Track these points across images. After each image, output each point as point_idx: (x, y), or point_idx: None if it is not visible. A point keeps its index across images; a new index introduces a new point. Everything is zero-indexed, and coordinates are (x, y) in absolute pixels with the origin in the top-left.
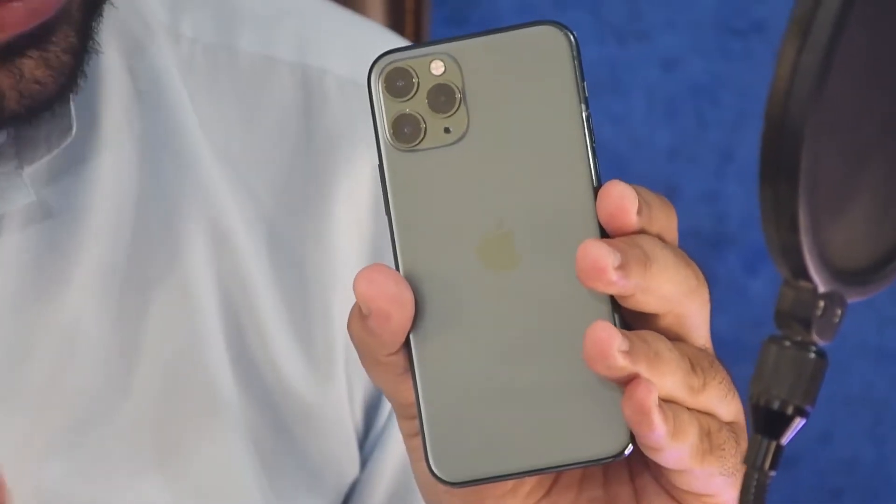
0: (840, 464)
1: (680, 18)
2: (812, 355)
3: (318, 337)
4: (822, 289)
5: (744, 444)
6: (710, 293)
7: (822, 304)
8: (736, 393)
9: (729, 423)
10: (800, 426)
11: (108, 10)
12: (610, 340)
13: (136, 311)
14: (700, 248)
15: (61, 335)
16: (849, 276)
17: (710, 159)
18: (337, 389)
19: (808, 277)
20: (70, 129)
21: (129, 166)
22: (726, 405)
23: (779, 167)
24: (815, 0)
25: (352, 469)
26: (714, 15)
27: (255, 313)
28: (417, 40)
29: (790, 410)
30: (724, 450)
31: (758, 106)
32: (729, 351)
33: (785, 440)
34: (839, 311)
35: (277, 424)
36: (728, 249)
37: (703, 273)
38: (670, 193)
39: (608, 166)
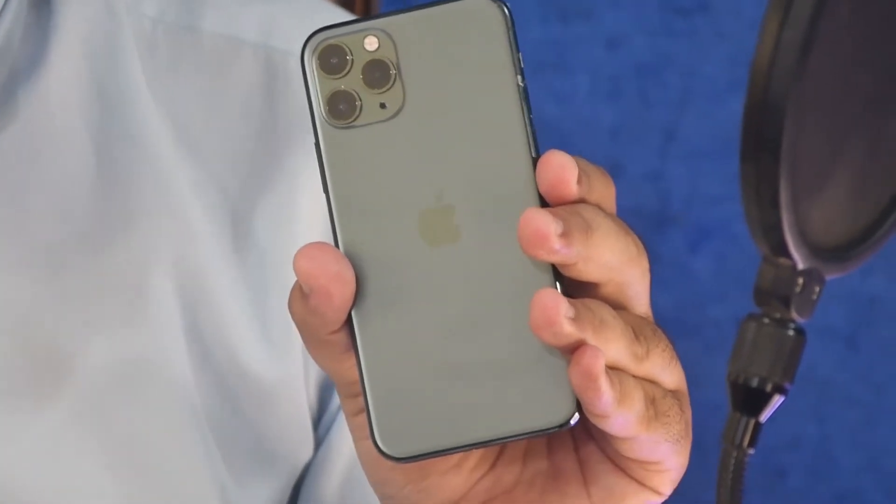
0: (784, 442)
1: None
2: (791, 332)
3: (276, 319)
4: (801, 266)
5: (688, 412)
6: (653, 272)
7: (801, 281)
8: (678, 361)
9: (672, 391)
10: (778, 403)
11: None
12: (556, 307)
13: (88, 289)
14: (643, 227)
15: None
16: (828, 252)
17: (653, 138)
18: (294, 371)
19: (787, 254)
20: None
21: (78, 144)
22: (669, 372)
23: (761, 144)
24: None
25: (306, 451)
26: None
27: (212, 297)
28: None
29: (769, 388)
30: (668, 416)
31: (702, 85)
32: (672, 329)
33: (764, 417)
34: (817, 289)
35: (233, 406)
36: (671, 228)
37: (645, 247)
38: (614, 172)
39: (552, 144)
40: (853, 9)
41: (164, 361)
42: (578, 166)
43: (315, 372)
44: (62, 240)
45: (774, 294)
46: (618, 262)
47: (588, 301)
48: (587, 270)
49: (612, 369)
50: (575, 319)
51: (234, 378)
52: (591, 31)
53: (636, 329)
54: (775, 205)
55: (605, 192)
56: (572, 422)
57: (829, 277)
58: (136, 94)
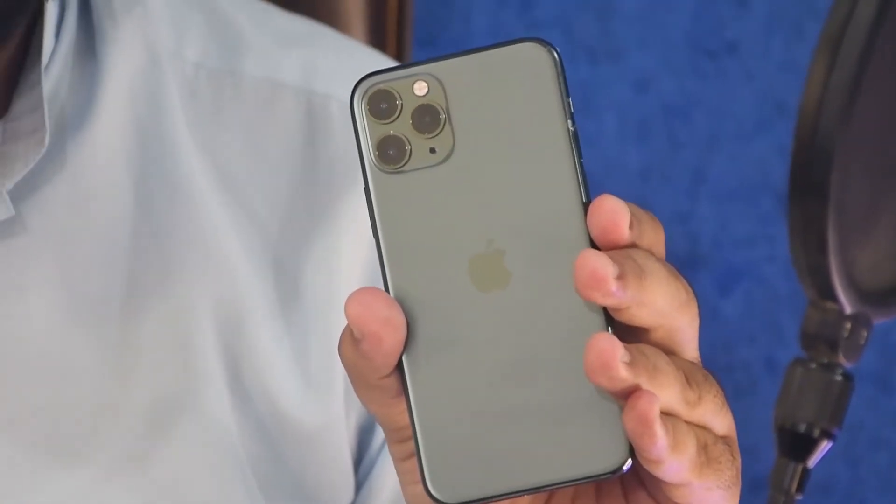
0: (815, 486)
1: (652, 38)
2: (839, 377)
3: (317, 362)
4: (848, 310)
5: (738, 459)
6: None
7: (848, 325)
8: (728, 407)
9: (723, 437)
10: (826, 449)
11: (111, 32)
12: (613, 351)
13: (129, 339)
14: None
15: (39, 360)
16: (875, 297)
17: (682, 180)
18: (335, 414)
19: (835, 299)
20: (43, 141)
21: (122, 193)
22: (720, 419)
23: (808, 187)
24: (846, 16)
25: (347, 494)
26: (686, 35)
27: (253, 342)
28: (399, 61)
29: (816, 433)
30: (720, 463)
31: (730, 126)
32: None
33: (811, 463)
34: (865, 333)
35: (274, 451)
36: (700, 270)
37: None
38: None
39: None
40: None
41: (205, 407)
42: (630, 211)
43: (356, 415)
44: (105, 291)
45: (821, 338)
46: (669, 307)
47: (642, 346)
48: (640, 315)
49: (665, 415)
50: (630, 364)
51: (274, 423)
52: (619, 72)
53: (688, 375)
54: (822, 249)
55: (655, 237)
56: (625, 468)
57: (876, 322)
58: (178, 141)
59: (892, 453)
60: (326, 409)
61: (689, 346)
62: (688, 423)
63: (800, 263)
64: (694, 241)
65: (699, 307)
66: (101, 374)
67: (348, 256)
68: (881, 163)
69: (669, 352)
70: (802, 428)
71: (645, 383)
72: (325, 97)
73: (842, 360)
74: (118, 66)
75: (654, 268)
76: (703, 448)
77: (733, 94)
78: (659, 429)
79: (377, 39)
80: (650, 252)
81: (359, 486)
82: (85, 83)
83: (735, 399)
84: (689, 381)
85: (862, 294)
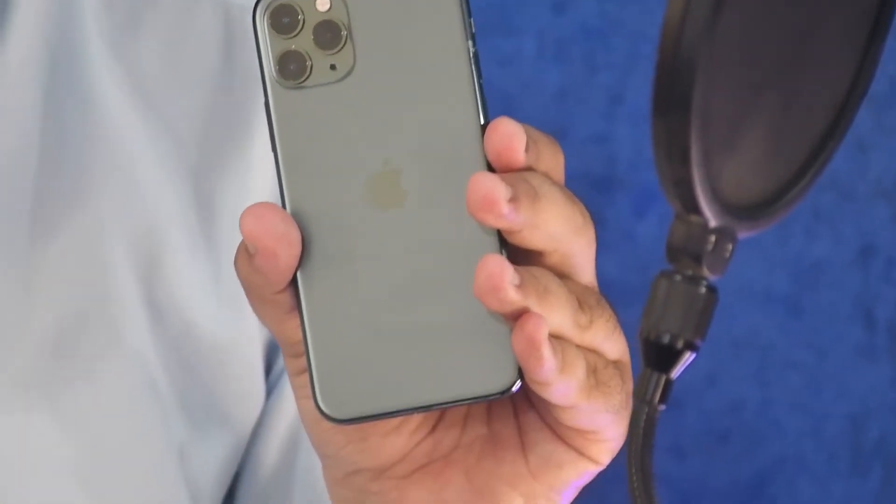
0: (726, 406)
1: None
2: (703, 290)
3: (230, 275)
4: (713, 223)
5: (629, 383)
6: (598, 235)
7: (712, 238)
8: (621, 331)
9: (614, 361)
10: (689, 360)
11: None
12: (502, 273)
13: (37, 256)
14: (589, 190)
15: None
16: (740, 211)
17: (599, 101)
18: (247, 329)
19: (699, 211)
20: None
21: (31, 107)
22: (612, 343)
23: (671, 101)
24: None
25: (261, 403)
26: None
27: (167, 257)
28: None
29: (680, 344)
30: (609, 386)
31: (649, 48)
32: (616, 293)
33: (675, 374)
34: (730, 247)
35: (189, 366)
36: (616, 192)
37: (591, 215)
38: (559, 135)
39: (496, 108)
40: None
41: (117, 322)
42: (527, 134)
43: (264, 331)
44: (12, 207)
45: (686, 251)
46: (564, 231)
47: (533, 269)
48: (533, 238)
49: (554, 338)
50: (520, 286)
51: (188, 337)
52: None
53: (580, 298)
54: (686, 161)
55: (553, 161)
56: (513, 389)
57: (742, 236)
58: (90, 52)
59: (802, 374)
60: (239, 324)
61: (585, 271)
62: (578, 346)
63: (664, 176)
64: (610, 163)
65: (615, 229)
66: (6, 292)
67: (260, 169)
68: (748, 77)
69: (564, 276)
70: (666, 339)
71: (534, 305)
72: (243, 8)
73: (706, 272)
74: None
75: (549, 191)
76: (593, 371)
77: (651, 15)
78: (546, 351)
79: None
80: (547, 175)
81: (268, 393)
82: None
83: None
84: (580, 304)
85: (726, 207)
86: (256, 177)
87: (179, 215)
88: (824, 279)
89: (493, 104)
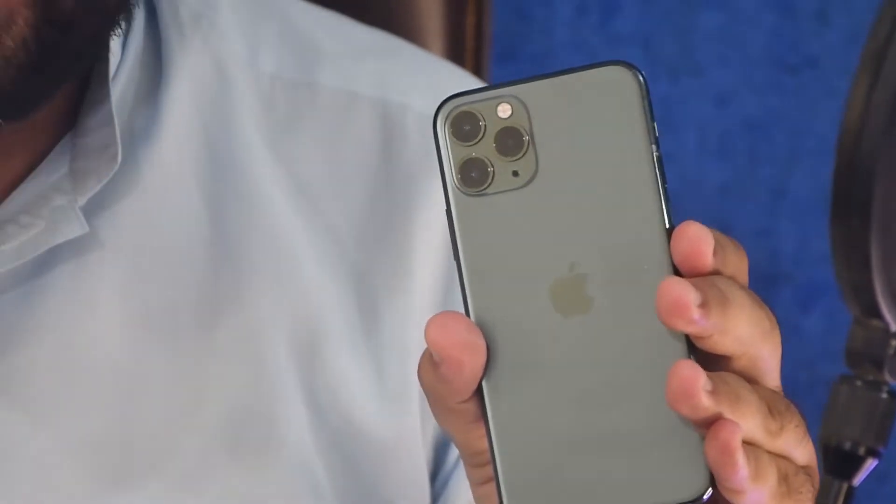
0: (872, 476)
1: (732, 54)
2: (884, 395)
3: (393, 373)
4: (894, 328)
5: (817, 488)
6: None
7: (894, 343)
8: (809, 437)
9: (803, 467)
10: (871, 467)
11: (177, 44)
12: (695, 380)
13: (202, 352)
14: (753, 285)
15: (113, 373)
16: None
17: (762, 196)
18: (410, 428)
19: (880, 316)
20: (115, 157)
21: (193, 204)
22: (802, 449)
23: (850, 206)
24: (888, 35)
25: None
26: (767, 50)
27: (329, 355)
28: (477, 77)
29: (862, 451)
30: (801, 493)
31: (810, 142)
32: (785, 390)
33: (856, 481)
34: None
35: (350, 465)
36: (781, 287)
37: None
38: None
39: None
40: None
41: (280, 420)
42: (713, 238)
43: (432, 428)
44: (176, 305)
45: (866, 356)
46: (752, 335)
47: (724, 374)
48: (723, 343)
49: (746, 444)
50: (713, 393)
51: (349, 436)
52: (699, 88)
53: (770, 404)
54: (866, 266)
55: (738, 264)
56: (705, 497)
57: None
58: (250, 153)
59: None
60: (402, 422)
61: (771, 375)
62: (769, 452)
63: (843, 280)
64: (774, 258)
65: (780, 324)
66: (174, 387)
67: (421, 265)
68: None
69: (751, 380)
70: (847, 446)
71: (727, 412)
72: (401, 107)
73: (887, 377)
74: (184, 77)
75: (737, 295)
76: (784, 478)
77: (813, 109)
78: (741, 458)
79: (455, 54)
80: (734, 279)
81: (434, 499)
82: (151, 96)
83: (817, 416)
84: (771, 410)
85: None
86: (417, 272)
87: (341, 313)
88: None
89: None
